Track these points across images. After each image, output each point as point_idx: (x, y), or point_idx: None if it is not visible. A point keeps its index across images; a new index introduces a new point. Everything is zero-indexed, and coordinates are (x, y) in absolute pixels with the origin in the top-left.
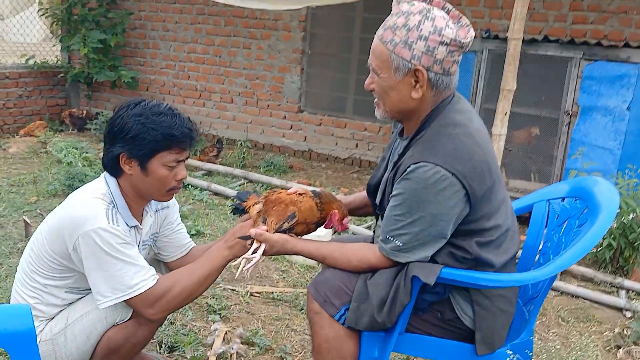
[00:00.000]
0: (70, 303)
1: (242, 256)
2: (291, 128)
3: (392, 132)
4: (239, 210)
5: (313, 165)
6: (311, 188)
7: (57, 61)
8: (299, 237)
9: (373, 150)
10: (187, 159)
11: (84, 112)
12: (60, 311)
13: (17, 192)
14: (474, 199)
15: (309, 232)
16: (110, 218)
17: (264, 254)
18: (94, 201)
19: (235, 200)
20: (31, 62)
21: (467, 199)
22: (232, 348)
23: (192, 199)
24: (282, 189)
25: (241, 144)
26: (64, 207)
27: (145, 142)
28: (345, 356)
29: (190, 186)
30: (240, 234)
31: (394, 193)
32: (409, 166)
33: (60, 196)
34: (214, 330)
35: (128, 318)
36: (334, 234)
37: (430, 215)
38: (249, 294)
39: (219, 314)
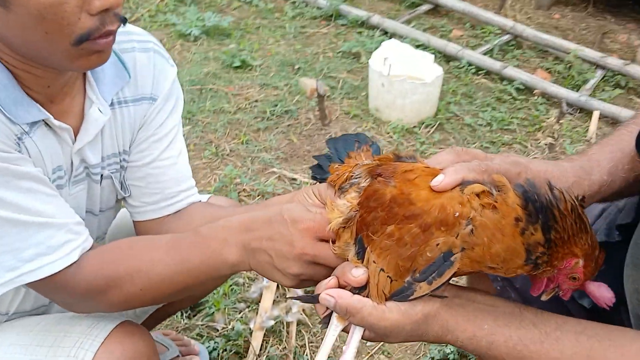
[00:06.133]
0: None
1: None
2: None
3: None
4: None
5: None
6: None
7: None
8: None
9: None
10: None
11: None
12: None
13: None
14: None
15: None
16: None
17: (363, 338)
18: None
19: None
20: None
21: None
22: (289, 314)
23: (238, 2)
24: (411, 160)
25: None
26: None
27: None
28: None
29: None
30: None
31: None
32: None
33: None
34: (262, 280)
35: None
36: (543, 297)
37: None
38: None
39: None
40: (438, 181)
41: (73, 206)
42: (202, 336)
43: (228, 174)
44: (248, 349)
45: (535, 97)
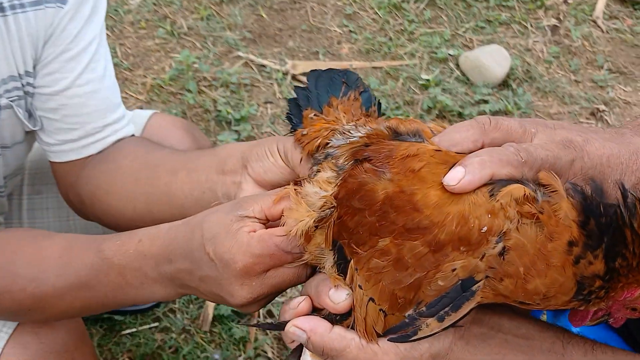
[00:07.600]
0: None
1: None
2: None
3: None
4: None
5: None
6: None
7: None
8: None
9: None
10: None
11: None
12: None
13: None
14: None
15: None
16: None
17: None
18: None
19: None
20: None
21: None
22: None
23: None
24: (416, 138)
25: None
26: None
27: None
28: None
29: None
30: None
31: None
32: None
33: None
34: None
35: None
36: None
37: None
38: None
39: None
40: (456, 179)
41: None
42: None
43: (185, 60)
44: None
45: None
